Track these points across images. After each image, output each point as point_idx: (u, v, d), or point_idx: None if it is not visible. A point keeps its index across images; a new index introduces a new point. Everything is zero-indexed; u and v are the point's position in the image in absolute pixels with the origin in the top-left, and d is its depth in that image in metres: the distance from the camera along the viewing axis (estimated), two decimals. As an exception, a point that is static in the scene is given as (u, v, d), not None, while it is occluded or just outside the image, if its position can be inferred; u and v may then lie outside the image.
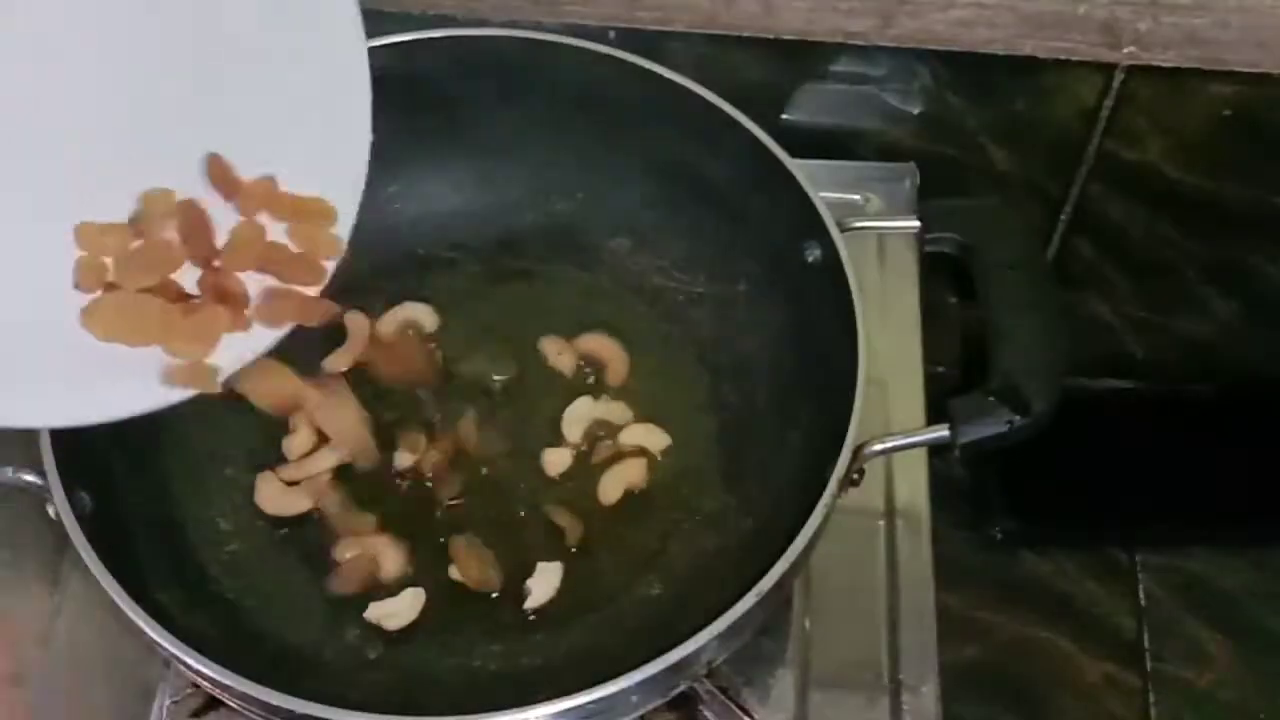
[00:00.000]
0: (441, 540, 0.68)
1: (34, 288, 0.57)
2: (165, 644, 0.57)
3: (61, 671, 0.69)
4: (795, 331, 0.71)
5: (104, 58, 0.58)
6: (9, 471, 0.61)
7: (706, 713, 0.65)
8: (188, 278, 0.60)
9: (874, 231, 0.72)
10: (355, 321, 0.75)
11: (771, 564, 0.58)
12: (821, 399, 0.65)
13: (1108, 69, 0.76)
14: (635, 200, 0.77)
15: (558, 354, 0.74)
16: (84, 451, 0.62)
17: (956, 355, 0.91)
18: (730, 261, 0.75)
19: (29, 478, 0.61)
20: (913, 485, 0.73)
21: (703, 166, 0.73)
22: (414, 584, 0.67)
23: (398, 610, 0.66)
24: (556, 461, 0.71)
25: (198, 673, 0.57)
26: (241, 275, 0.61)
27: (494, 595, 0.67)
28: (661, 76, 0.71)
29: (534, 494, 0.70)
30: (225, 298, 0.59)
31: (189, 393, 0.58)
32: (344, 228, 0.62)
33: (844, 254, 0.65)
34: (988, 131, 0.81)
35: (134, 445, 0.68)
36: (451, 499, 0.70)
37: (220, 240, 0.61)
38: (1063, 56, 0.76)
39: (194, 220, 0.60)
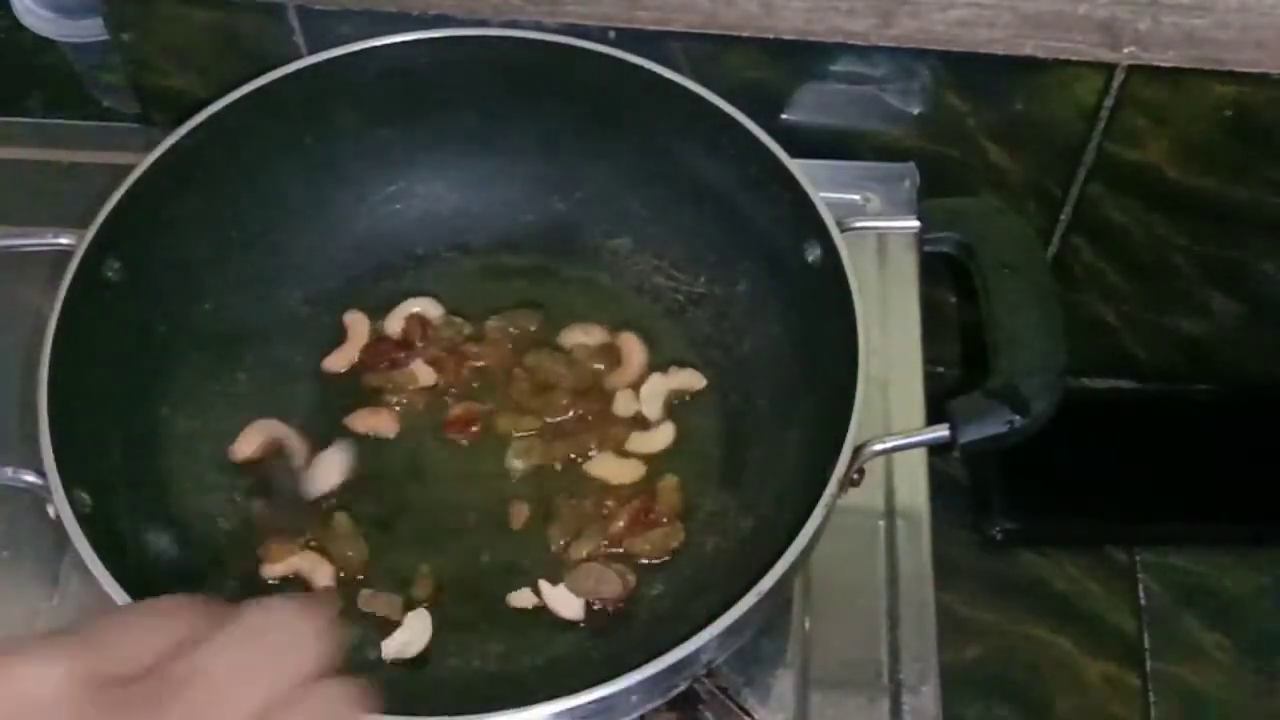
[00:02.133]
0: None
1: None
2: (165, 644, 0.57)
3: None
4: (795, 331, 0.71)
5: None
6: (9, 471, 0.61)
7: (706, 713, 0.65)
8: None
9: (874, 231, 0.72)
10: (355, 321, 0.75)
11: (771, 564, 0.58)
12: (821, 399, 0.65)
13: (1108, 69, 0.76)
14: (635, 200, 0.77)
15: (584, 333, 0.75)
16: (84, 451, 0.62)
17: (956, 355, 0.91)
18: (730, 261, 0.75)
19: (29, 478, 0.60)
20: (913, 485, 0.73)
21: (703, 166, 0.73)
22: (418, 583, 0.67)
23: (410, 638, 0.66)
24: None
25: (197, 672, 0.57)
26: None
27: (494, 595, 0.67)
28: (661, 76, 0.71)
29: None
30: None
31: None
32: None
33: (844, 254, 0.65)
34: (988, 131, 0.81)
35: (134, 445, 0.68)
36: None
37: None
38: (1063, 56, 0.76)
39: None
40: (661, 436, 0.72)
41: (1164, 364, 0.94)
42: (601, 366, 0.74)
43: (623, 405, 0.73)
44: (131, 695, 0.32)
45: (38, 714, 0.31)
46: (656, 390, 0.73)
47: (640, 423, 0.72)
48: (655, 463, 0.71)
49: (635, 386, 0.73)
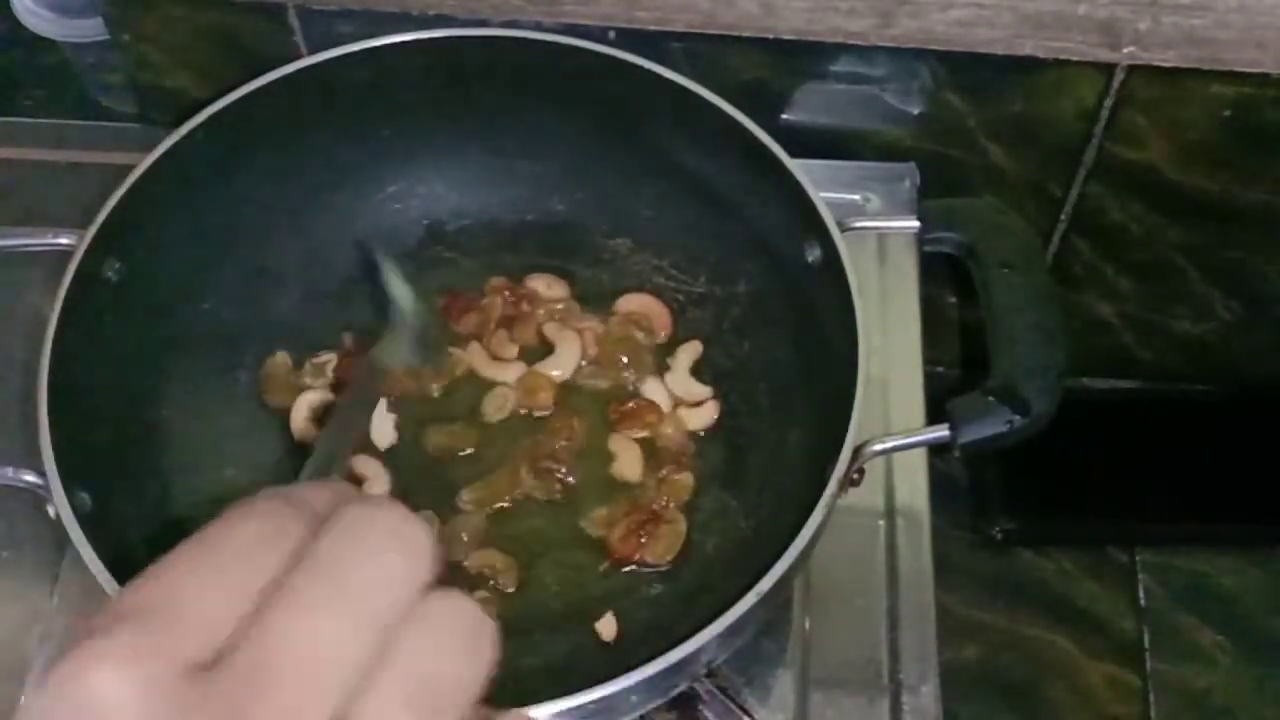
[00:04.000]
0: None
1: None
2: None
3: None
4: (795, 331, 0.71)
5: None
6: (9, 471, 0.61)
7: (706, 713, 0.65)
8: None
9: (874, 231, 0.72)
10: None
11: (771, 564, 0.58)
12: (821, 399, 0.65)
13: (1108, 69, 0.76)
14: (635, 200, 0.77)
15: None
16: (84, 451, 0.62)
17: (956, 355, 0.91)
18: (730, 261, 0.75)
19: (29, 478, 0.60)
20: (913, 485, 0.73)
21: (703, 166, 0.73)
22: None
23: None
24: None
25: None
26: None
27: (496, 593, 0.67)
28: (661, 76, 0.71)
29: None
30: None
31: None
32: None
33: (844, 254, 0.65)
34: (988, 131, 0.81)
35: (134, 445, 0.68)
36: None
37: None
38: (1063, 56, 0.76)
39: None
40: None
41: (1164, 364, 0.94)
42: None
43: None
44: (210, 695, 0.28)
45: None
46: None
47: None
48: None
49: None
